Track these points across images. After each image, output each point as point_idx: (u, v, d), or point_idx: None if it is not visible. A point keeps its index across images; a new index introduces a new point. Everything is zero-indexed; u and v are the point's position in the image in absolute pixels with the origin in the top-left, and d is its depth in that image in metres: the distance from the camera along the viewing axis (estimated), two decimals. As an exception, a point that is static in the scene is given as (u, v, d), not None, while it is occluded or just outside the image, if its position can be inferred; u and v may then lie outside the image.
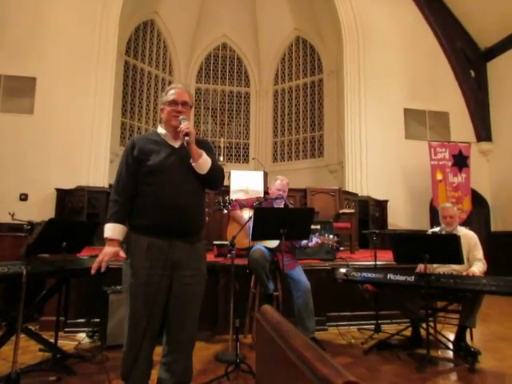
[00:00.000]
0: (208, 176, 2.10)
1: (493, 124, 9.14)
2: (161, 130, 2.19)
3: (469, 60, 9.27)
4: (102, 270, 1.99)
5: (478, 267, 3.55)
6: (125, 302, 2.05)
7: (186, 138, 2.00)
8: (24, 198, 7.12)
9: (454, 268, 3.59)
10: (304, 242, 3.65)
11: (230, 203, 3.84)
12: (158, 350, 2.12)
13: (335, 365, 0.69)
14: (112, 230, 2.04)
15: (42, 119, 7.42)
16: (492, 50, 9.12)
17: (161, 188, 2.02)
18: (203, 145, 2.15)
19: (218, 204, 3.91)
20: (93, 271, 1.99)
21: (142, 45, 10.38)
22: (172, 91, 2.16)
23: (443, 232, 3.80)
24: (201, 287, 2.14)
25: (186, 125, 2.03)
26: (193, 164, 2.05)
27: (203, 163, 2.07)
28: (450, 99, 9.18)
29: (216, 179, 2.18)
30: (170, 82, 11.12)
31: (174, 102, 2.12)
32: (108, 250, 2.02)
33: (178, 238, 2.02)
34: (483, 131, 9.09)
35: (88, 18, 7.85)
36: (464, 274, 3.46)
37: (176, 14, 10.74)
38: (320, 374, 0.68)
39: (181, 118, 2.08)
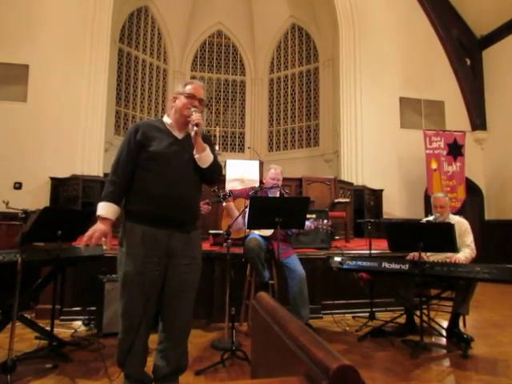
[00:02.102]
0: (208, 170, 2.13)
1: (488, 113, 9.12)
2: (166, 119, 2.20)
3: (464, 48, 9.21)
4: (92, 245, 1.95)
5: (465, 253, 3.58)
6: (119, 289, 2.06)
7: (196, 128, 2.03)
8: (18, 186, 7.06)
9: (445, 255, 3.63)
10: None
11: (229, 196, 3.84)
12: (154, 338, 2.14)
13: (330, 349, 0.69)
14: (106, 208, 2.01)
15: (36, 107, 7.32)
16: (488, 38, 9.04)
17: (160, 175, 2.02)
18: (206, 140, 2.17)
19: (217, 196, 3.90)
20: (83, 244, 1.95)
21: (135, 32, 10.23)
22: (191, 85, 2.19)
23: (437, 220, 3.81)
24: (196, 276, 2.16)
25: (197, 116, 2.07)
26: (196, 156, 2.08)
27: (206, 156, 2.10)
28: (446, 88, 9.15)
29: (214, 174, 2.22)
30: (164, 70, 11.02)
31: (192, 96, 2.14)
32: (99, 226, 1.98)
33: (174, 227, 2.03)
34: (478, 120, 9.08)
35: (81, 4, 7.70)
36: (447, 260, 3.49)
37: (170, 0, 10.57)
38: (315, 358, 0.68)
39: (193, 109, 2.10)
